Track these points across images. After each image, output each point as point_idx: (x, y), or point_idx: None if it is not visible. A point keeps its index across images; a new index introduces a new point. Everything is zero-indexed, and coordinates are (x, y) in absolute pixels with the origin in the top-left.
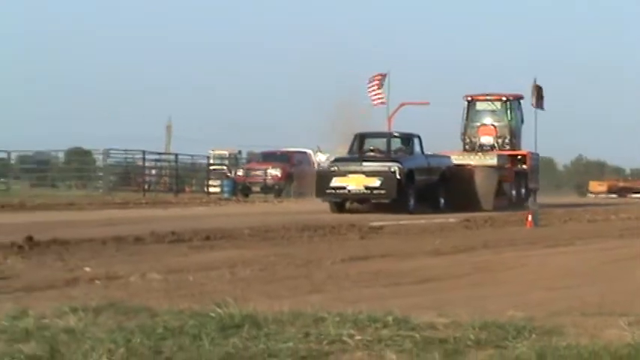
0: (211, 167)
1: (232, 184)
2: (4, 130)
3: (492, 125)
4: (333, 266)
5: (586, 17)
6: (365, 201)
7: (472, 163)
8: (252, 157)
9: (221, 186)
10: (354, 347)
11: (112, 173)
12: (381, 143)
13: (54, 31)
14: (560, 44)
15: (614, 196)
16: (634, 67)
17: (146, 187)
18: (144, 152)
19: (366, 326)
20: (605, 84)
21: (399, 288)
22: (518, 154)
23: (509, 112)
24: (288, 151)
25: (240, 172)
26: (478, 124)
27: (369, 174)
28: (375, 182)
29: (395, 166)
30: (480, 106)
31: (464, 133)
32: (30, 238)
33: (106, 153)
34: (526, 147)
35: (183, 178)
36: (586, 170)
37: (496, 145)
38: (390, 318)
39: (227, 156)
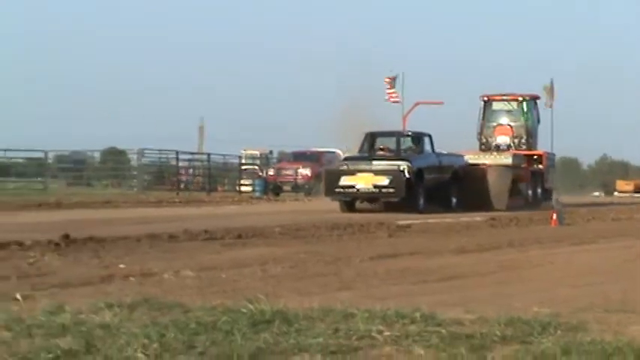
0: (243, 167)
1: (264, 183)
2: (5, 130)
3: (508, 125)
4: (361, 264)
5: (600, 16)
6: (375, 200)
7: (487, 162)
8: (282, 157)
9: (252, 185)
10: (382, 342)
11: (146, 172)
12: (391, 142)
13: (54, 31)
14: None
15: (638, 195)
16: None
17: (182, 186)
18: (177, 152)
19: (394, 322)
20: (628, 85)
21: (426, 285)
22: (534, 154)
23: (525, 112)
24: (318, 151)
25: (271, 172)
26: (494, 124)
27: (378, 173)
28: (384, 181)
29: (404, 165)
30: (496, 106)
31: (480, 133)
32: (66, 236)
33: (141, 153)
34: (543, 147)
35: (215, 177)
36: (610, 170)
37: (512, 145)
38: (417, 314)
39: (258, 156)
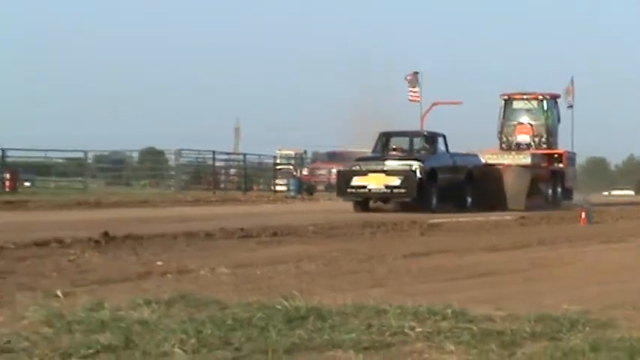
0: (278, 167)
1: (298, 182)
2: (4, 130)
3: (529, 124)
4: (394, 261)
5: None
6: (387, 200)
7: (505, 162)
8: (317, 157)
9: (287, 184)
10: (414, 338)
11: (183, 172)
12: (405, 142)
13: (54, 31)
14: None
15: None
16: None
17: (221, 186)
18: (214, 152)
19: (426, 318)
20: None
21: (458, 282)
22: (554, 153)
23: (545, 110)
24: (351, 152)
25: (305, 172)
26: (515, 122)
27: (390, 173)
28: (396, 181)
29: (416, 165)
30: (516, 104)
31: (500, 132)
32: (106, 234)
33: (178, 153)
34: (563, 146)
35: (251, 176)
36: (638, 169)
37: (532, 143)
38: (448, 311)
39: (293, 156)
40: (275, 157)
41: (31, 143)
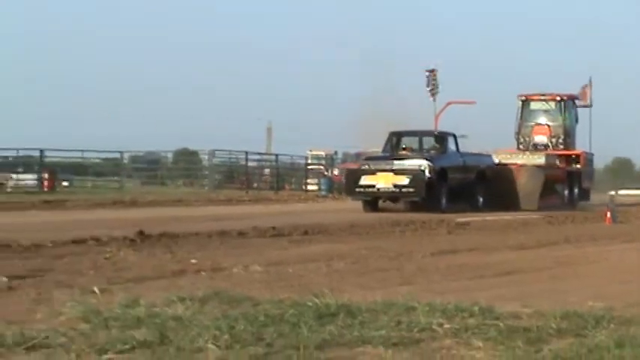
0: (309, 166)
1: (329, 182)
2: (4, 130)
3: (546, 125)
4: (422, 259)
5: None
6: (396, 199)
7: (519, 162)
8: (347, 157)
9: (318, 184)
10: (442, 335)
11: (217, 172)
12: (415, 142)
13: (54, 31)
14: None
15: None
16: None
17: (254, 185)
18: (246, 153)
19: (453, 315)
20: None
21: (485, 280)
22: (571, 154)
23: (563, 111)
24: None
25: (336, 172)
26: (532, 123)
27: (398, 172)
28: (404, 180)
29: (425, 165)
30: (534, 105)
31: (518, 133)
32: (141, 232)
33: (212, 153)
34: (582, 147)
35: (283, 176)
36: None
37: (550, 144)
38: (476, 308)
39: (324, 156)
40: (306, 158)
41: (69, 144)
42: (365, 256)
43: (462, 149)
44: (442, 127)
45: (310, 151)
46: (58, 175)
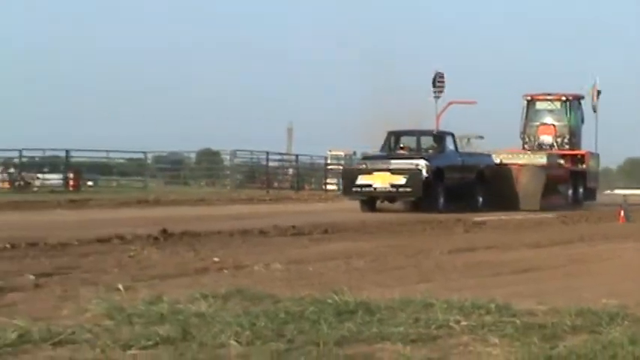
0: (328, 166)
1: None
2: (5, 130)
3: (552, 125)
4: (440, 257)
5: None
6: (394, 199)
7: (520, 162)
8: None
9: (338, 184)
10: (460, 332)
11: (238, 172)
12: (414, 141)
13: (54, 31)
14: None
15: None
16: None
17: (274, 185)
18: (267, 153)
19: (470, 312)
20: None
21: (501, 278)
22: (577, 154)
23: (568, 111)
24: None
25: None
26: (537, 123)
27: (395, 172)
28: (401, 180)
29: (422, 164)
30: (539, 105)
31: (523, 132)
32: (164, 231)
33: (233, 154)
34: (588, 147)
35: (303, 176)
36: None
37: (555, 144)
38: (492, 305)
39: (343, 156)
40: (326, 158)
41: (94, 144)
42: (383, 254)
43: (476, 150)
44: (447, 127)
45: (330, 151)
46: (83, 175)
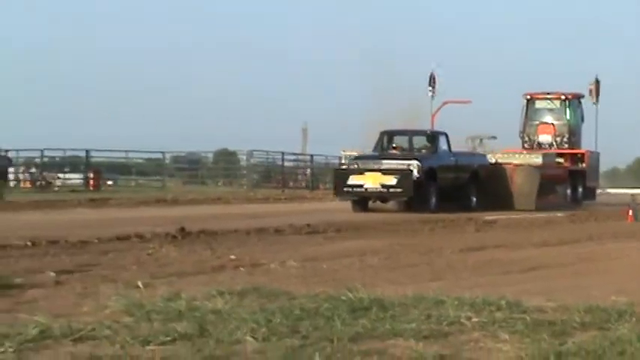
0: (342, 166)
1: None
2: (5, 130)
3: (551, 124)
4: (451, 255)
5: None
6: (385, 199)
7: (515, 161)
8: None
9: None
10: (471, 328)
11: (254, 172)
12: (407, 141)
13: (54, 31)
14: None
15: None
16: None
17: (290, 184)
18: (283, 153)
19: (481, 309)
20: None
21: (511, 275)
22: (576, 153)
23: (568, 110)
24: None
25: None
26: (537, 122)
27: (386, 172)
28: (392, 180)
29: (414, 164)
30: (539, 104)
31: (522, 132)
32: (182, 229)
33: (250, 154)
34: (588, 146)
35: (317, 176)
36: None
37: (554, 143)
38: (503, 302)
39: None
40: (340, 158)
41: (113, 144)
42: (396, 252)
43: (489, 150)
44: (443, 127)
45: (344, 151)
46: (103, 175)
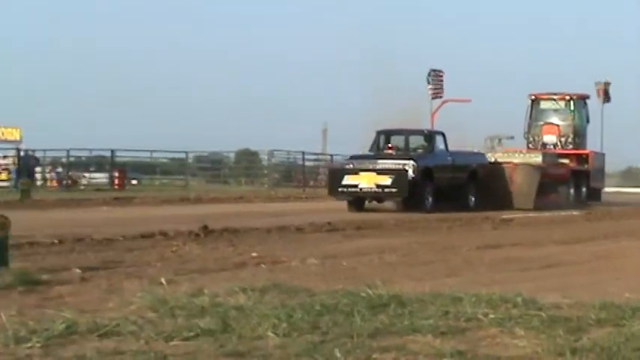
0: None
1: None
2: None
3: (556, 124)
4: (468, 253)
5: None
6: (380, 199)
7: (515, 161)
8: None
9: None
10: (487, 324)
11: (276, 171)
12: (403, 141)
13: (54, 31)
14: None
15: None
16: None
17: (310, 183)
18: (303, 153)
19: (498, 306)
20: None
21: (528, 273)
22: (580, 153)
23: (573, 111)
24: None
25: None
26: (542, 122)
27: (381, 172)
28: (386, 180)
29: (409, 164)
30: (544, 104)
31: (527, 132)
32: (205, 227)
33: (271, 153)
34: (593, 146)
35: None
36: None
37: (559, 143)
38: (519, 299)
39: None
40: None
41: (138, 144)
42: (415, 250)
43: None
44: (444, 126)
45: (362, 151)
46: (128, 174)
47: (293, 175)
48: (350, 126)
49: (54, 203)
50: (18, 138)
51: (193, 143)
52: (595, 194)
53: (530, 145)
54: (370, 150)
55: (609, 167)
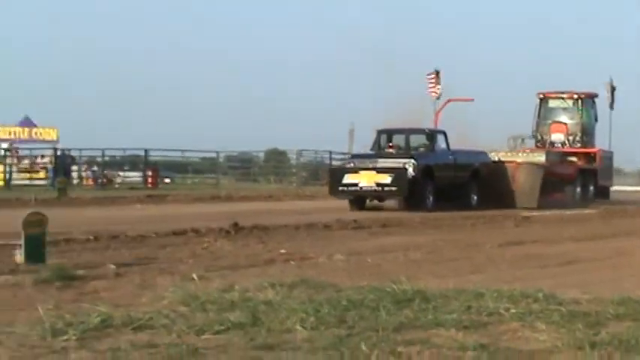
0: None
1: None
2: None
3: (564, 123)
4: (491, 250)
5: None
6: (381, 198)
7: (519, 159)
8: None
9: None
10: (509, 319)
11: (303, 170)
12: (405, 140)
13: (55, 31)
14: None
15: None
16: None
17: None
18: (330, 152)
19: (519, 301)
20: None
21: (548, 269)
22: (588, 152)
23: (581, 109)
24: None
25: None
26: (550, 121)
27: (381, 171)
28: (387, 179)
29: (409, 163)
30: (552, 103)
31: (535, 130)
32: (235, 224)
33: (299, 153)
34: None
35: None
36: None
37: (567, 142)
38: (540, 294)
39: None
40: None
41: (171, 144)
42: (439, 247)
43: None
44: (446, 125)
45: None
46: (161, 173)
47: (320, 174)
48: (376, 127)
49: (89, 201)
50: (55, 138)
51: (224, 143)
52: (603, 192)
53: (539, 144)
54: (371, 149)
55: (626, 166)
